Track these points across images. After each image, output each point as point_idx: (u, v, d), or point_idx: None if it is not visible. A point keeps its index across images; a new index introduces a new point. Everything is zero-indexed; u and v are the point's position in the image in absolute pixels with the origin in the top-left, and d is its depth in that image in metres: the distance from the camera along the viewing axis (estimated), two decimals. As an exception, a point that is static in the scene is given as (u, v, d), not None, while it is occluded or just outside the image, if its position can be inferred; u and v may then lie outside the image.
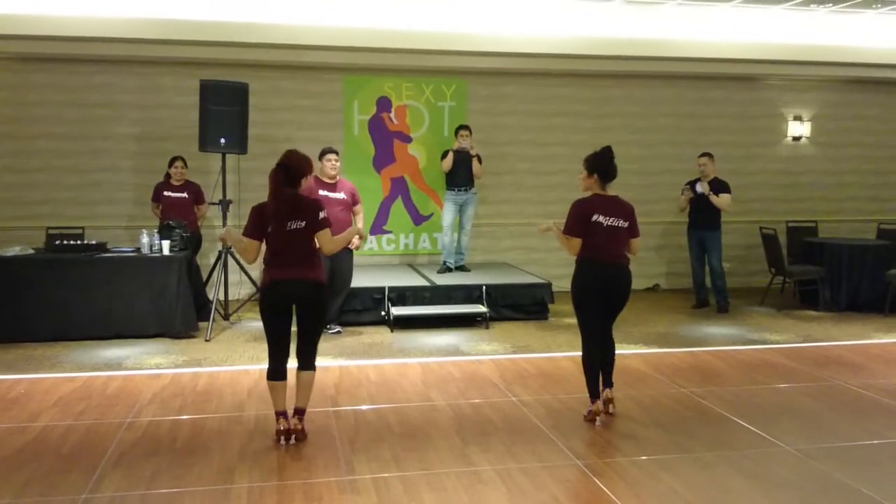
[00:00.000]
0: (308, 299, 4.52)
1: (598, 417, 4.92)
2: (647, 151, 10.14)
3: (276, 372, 4.56)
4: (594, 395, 4.96)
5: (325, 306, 4.69)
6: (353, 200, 7.32)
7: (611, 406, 5.02)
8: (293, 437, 4.54)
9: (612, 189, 4.98)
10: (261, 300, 4.61)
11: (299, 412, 4.59)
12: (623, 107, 10.10)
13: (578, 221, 4.88)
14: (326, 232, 4.54)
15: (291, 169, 4.47)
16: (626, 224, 4.89)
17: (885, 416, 5.11)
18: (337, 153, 7.26)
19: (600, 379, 4.98)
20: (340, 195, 7.20)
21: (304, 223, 4.47)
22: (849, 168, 10.84)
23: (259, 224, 4.49)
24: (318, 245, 4.56)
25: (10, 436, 4.64)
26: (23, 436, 4.65)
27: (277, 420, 4.55)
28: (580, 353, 5.02)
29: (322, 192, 6.99)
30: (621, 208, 4.91)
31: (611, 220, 4.84)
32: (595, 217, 4.82)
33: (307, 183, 4.63)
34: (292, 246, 4.49)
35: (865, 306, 8.74)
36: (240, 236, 4.56)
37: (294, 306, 4.53)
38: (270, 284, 4.49)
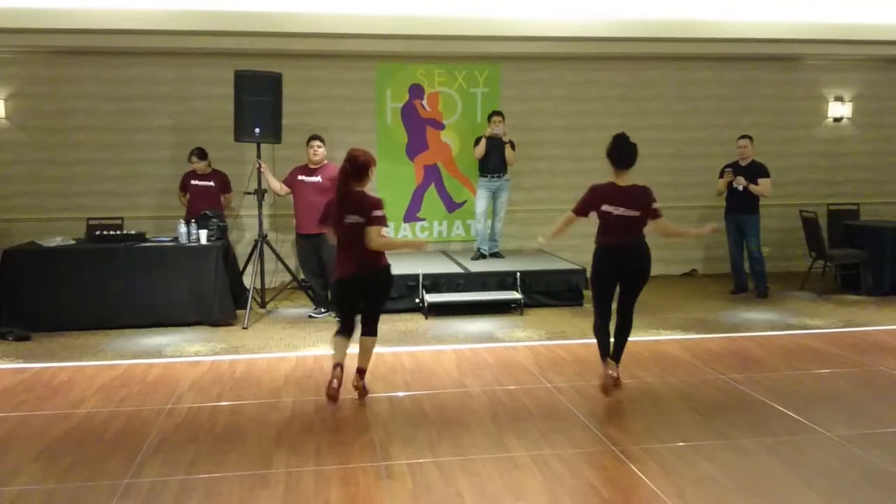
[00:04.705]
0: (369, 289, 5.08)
1: (611, 389, 5.08)
2: (684, 135, 10.00)
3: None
4: (603, 354, 5.15)
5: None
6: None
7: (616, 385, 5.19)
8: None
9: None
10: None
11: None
12: (660, 90, 9.94)
13: (583, 204, 5.02)
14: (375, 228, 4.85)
15: (352, 166, 4.86)
16: (636, 213, 4.87)
17: (930, 402, 5.01)
18: (321, 140, 7.56)
19: (611, 347, 5.17)
20: (316, 179, 7.47)
21: (361, 219, 4.84)
22: (892, 149, 10.56)
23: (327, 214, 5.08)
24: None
25: (54, 422, 4.75)
26: (66, 422, 4.75)
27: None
28: None
29: (300, 177, 7.55)
30: (633, 198, 4.88)
31: (619, 210, 4.85)
32: (604, 207, 4.88)
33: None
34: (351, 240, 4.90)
35: (909, 290, 8.56)
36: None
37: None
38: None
